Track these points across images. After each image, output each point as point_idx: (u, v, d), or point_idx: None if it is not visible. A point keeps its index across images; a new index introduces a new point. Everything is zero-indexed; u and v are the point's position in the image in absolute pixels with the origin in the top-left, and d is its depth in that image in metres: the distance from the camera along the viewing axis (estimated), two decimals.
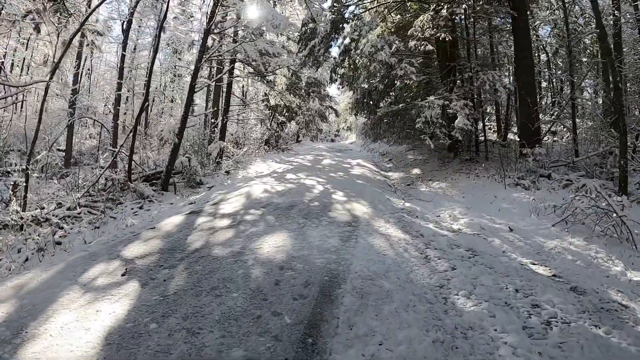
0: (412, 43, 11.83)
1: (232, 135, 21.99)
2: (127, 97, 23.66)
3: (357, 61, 16.56)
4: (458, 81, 12.79)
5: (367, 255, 5.27)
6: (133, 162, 14.20)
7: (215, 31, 14.32)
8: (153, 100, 29.33)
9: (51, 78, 12.26)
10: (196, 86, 14.48)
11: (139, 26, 25.78)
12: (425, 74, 13.91)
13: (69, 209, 10.08)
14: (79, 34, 18.35)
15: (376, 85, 18.29)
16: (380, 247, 5.66)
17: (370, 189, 10.71)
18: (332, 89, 59.04)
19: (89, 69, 26.23)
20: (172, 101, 28.70)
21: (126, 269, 4.91)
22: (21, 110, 20.96)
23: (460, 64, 13.28)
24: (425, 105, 11.32)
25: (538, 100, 13.59)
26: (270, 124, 22.57)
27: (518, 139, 13.17)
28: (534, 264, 5.56)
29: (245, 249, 5.61)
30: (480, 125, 14.50)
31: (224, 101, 18.41)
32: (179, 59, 26.77)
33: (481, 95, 14.05)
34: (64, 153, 19.88)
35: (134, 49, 24.46)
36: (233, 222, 7.15)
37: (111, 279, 4.60)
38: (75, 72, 19.74)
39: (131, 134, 13.57)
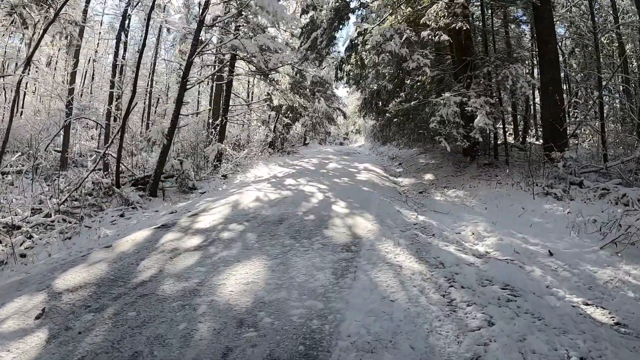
0: (425, 33, 10.18)
1: (234, 137, 20.56)
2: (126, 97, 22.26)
3: (364, 57, 14.95)
4: (475, 77, 11.10)
5: (368, 303, 3.66)
6: (122, 165, 12.94)
7: (209, 23, 12.78)
8: (157, 101, 28.07)
9: (24, 72, 10.86)
10: (188, 83, 12.99)
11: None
12: (440, 70, 12.19)
13: (47, 215, 8.79)
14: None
15: (385, 85, 16.66)
16: (386, 288, 4.03)
17: (377, 197, 9.07)
18: (341, 91, 57.40)
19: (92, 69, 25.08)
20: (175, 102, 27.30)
21: (44, 309, 3.67)
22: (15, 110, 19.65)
23: (478, 57, 11.60)
24: (440, 103, 9.65)
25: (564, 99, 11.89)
26: (275, 126, 21.02)
27: (542, 142, 11.50)
28: (588, 305, 4.04)
29: (203, 284, 4.09)
30: (500, 125, 12.74)
31: (223, 101, 16.91)
32: (183, 58, 25.33)
33: (501, 93, 12.32)
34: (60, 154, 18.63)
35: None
36: (204, 241, 5.65)
37: (21, 323, 3.42)
38: (73, 71, 18.32)
39: (119, 135, 12.16)
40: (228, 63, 16.75)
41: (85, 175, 11.29)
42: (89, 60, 27.00)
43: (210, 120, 17.80)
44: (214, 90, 19.75)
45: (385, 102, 16.77)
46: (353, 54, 14.35)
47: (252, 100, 21.24)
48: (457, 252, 5.34)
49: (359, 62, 14.80)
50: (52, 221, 8.76)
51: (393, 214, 7.35)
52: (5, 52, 21.43)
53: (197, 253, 5.14)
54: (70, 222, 8.69)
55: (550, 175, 9.49)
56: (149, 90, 22.98)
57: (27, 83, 21.80)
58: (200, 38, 12.45)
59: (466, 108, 9.62)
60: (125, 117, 12.02)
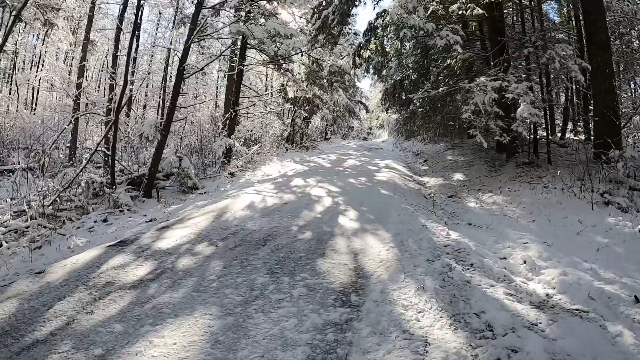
0: (454, 7, 8.25)
1: (248, 131, 18.89)
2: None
3: (385, 44, 13.05)
4: (514, 60, 9.12)
5: None
6: (119, 162, 11.54)
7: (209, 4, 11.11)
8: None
9: None
10: (185, 72, 11.36)
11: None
12: (471, 52, 10.11)
13: (32, 217, 7.57)
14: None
15: (408, 74, 14.73)
16: None
17: (397, 204, 7.20)
18: (363, 84, 55.12)
19: (103, 63, 23.73)
20: (195, 97, 25.77)
21: None
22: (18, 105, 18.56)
23: (516, 37, 9.59)
24: (474, 89, 7.67)
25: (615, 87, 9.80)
26: (293, 119, 19.25)
27: (593, 137, 9.46)
28: None
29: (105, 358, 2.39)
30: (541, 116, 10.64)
31: (233, 92, 15.21)
32: (202, 53, 23.69)
33: (542, 79, 10.22)
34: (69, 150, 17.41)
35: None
36: (152, 272, 4.07)
37: None
38: (81, 65, 16.94)
39: (112, 130, 10.68)
40: (238, 51, 15.11)
41: (75, 174, 9.85)
42: (106, 55, 25.77)
43: (219, 114, 16.18)
44: (224, 81, 18.17)
45: (409, 93, 14.88)
46: (372, 38, 12.49)
47: (270, 93, 19.42)
48: (509, 301, 3.52)
49: (379, 48, 12.92)
50: (27, 227, 7.45)
51: (417, 230, 5.48)
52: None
53: (131, 294, 3.54)
54: (45, 228, 7.42)
55: (604, 179, 7.50)
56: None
57: (40, 79, 20.71)
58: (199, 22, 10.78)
59: (505, 95, 7.64)
60: (118, 110, 10.49)
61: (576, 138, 13.39)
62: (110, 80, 14.34)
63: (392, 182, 9.82)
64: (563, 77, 9.35)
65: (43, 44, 21.36)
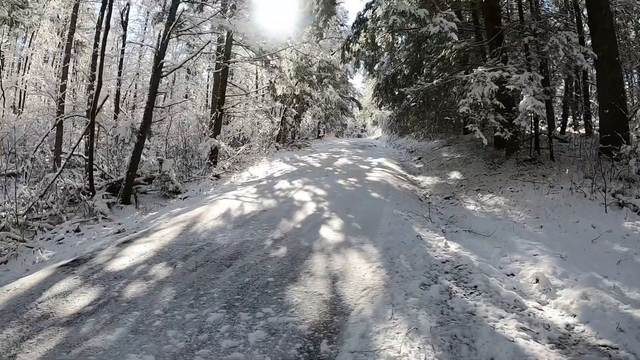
0: None
1: (237, 131, 18.08)
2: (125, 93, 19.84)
3: (376, 37, 12.25)
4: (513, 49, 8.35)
5: None
6: (98, 167, 10.83)
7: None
8: (164, 97, 25.57)
9: None
10: (163, 69, 10.58)
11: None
12: (467, 41, 9.29)
13: (4, 228, 6.99)
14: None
15: (401, 69, 13.91)
16: None
17: (389, 210, 6.41)
18: (356, 80, 54.07)
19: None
20: (186, 97, 24.86)
21: None
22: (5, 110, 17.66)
23: (514, 26, 8.82)
24: (471, 80, 6.88)
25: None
26: (283, 118, 18.42)
27: (599, 132, 8.70)
28: None
29: None
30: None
31: (219, 91, 14.40)
32: (191, 52, 22.74)
33: (541, 69, 9.40)
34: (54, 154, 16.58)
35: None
36: (94, 302, 3.37)
37: None
38: (65, 67, 16.09)
39: (88, 134, 9.97)
40: (224, 48, 14.32)
41: (51, 181, 9.17)
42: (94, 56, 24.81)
43: (205, 113, 15.36)
44: (211, 80, 17.38)
45: (402, 88, 14.11)
46: (362, 30, 11.69)
47: (257, 90, 18.49)
48: (524, 339, 2.78)
49: (369, 41, 12.12)
50: None
51: (410, 243, 4.70)
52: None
53: (63, 333, 2.86)
54: (16, 239, 6.74)
55: (615, 177, 6.76)
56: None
57: (26, 82, 19.86)
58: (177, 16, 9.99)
59: (506, 87, 6.86)
60: (93, 112, 9.72)
61: (576, 132, 12.63)
62: (89, 82, 13.52)
63: (384, 183, 9.03)
64: (567, 67, 8.53)
65: (30, 45, 20.49)
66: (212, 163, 13.50)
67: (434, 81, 8.32)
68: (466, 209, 7.01)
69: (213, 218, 5.97)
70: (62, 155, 13.48)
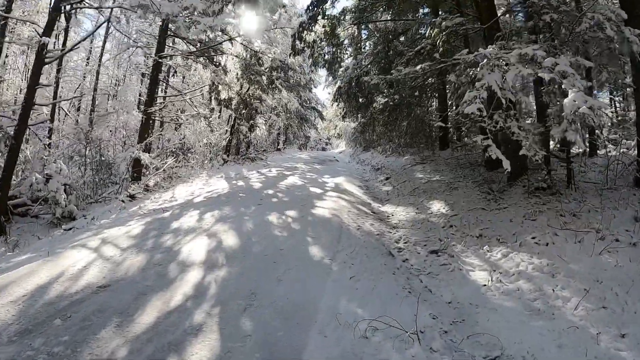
0: None
1: (180, 140, 14.74)
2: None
3: (336, 25, 9.28)
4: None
5: None
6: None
7: None
8: (109, 98, 21.59)
9: None
10: (49, 54, 7.30)
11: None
12: (458, 22, 6.21)
13: None
14: None
15: (367, 70, 10.95)
16: None
17: (331, 304, 3.27)
18: (319, 91, 50.59)
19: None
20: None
21: None
22: None
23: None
24: (482, 62, 3.86)
25: None
26: (233, 127, 15.16)
27: (637, 149, 5.94)
28: None
29: None
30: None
31: (147, 91, 11.08)
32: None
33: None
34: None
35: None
36: None
37: None
38: None
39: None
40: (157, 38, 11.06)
41: None
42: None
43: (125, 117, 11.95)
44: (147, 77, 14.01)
45: (368, 93, 11.13)
46: (319, 16, 8.71)
47: (195, 90, 14.81)
48: None
49: (328, 31, 9.16)
50: None
51: None
52: None
53: None
54: None
55: None
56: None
57: None
58: None
59: (539, 74, 3.87)
60: None
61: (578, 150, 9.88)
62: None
63: (335, 222, 5.85)
64: (611, 54, 5.60)
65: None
66: (133, 178, 10.15)
67: (418, 67, 5.23)
68: (472, 281, 3.91)
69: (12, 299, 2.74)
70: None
